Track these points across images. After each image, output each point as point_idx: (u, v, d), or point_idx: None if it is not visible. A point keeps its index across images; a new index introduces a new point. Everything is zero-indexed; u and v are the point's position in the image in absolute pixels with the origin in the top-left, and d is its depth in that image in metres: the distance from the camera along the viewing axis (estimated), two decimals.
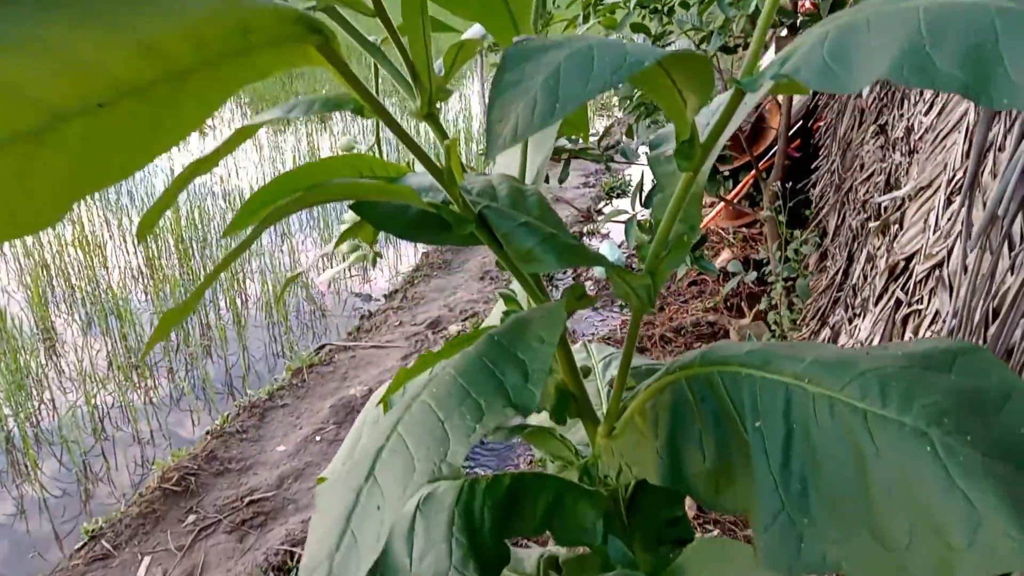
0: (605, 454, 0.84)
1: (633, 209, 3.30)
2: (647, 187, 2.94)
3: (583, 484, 0.84)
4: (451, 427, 0.57)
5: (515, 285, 0.82)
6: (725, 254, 4.67)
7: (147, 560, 2.40)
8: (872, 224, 1.84)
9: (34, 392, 3.78)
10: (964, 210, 1.00)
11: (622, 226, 5.05)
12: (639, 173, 5.23)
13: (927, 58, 0.40)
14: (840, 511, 0.60)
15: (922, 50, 0.41)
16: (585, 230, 5.86)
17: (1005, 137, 1.05)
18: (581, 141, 3.32)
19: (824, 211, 3.02)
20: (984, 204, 1.00)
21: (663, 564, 0.88)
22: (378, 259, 0.98)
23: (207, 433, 3.20)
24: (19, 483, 3.14)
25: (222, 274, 5.34)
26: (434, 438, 0.56)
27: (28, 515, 2.95)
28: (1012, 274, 0.97)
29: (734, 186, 4.58)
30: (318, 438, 3.08)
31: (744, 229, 5.19)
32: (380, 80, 0.71)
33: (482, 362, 0.63)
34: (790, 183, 3.36)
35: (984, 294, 0.99)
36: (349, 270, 5.82)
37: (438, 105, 0.65)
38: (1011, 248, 0.97)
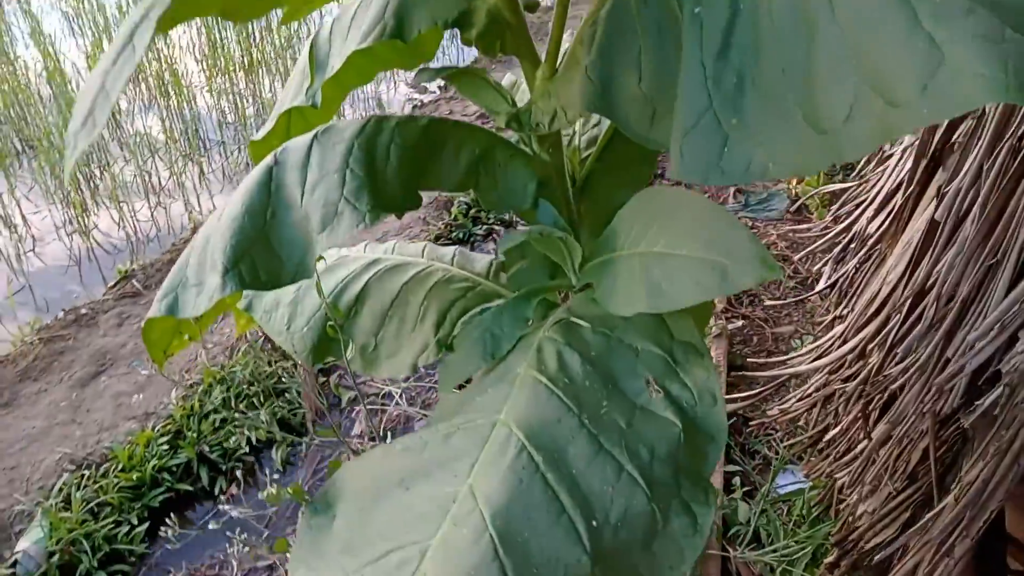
0: (542, 99, 0.71)
1: None
2: None
3: (511, 129, 0.72)
4: None
5: None
6: None
7: None
8: None
9: None
10: None
11: None
12: None
13: None
14: (776, 101, 0.48)
15: None
16: None
17: None
18: None
19: None
20: None
21: None
22: None
23: None
24: (72, 234, 3.27)
25: None
26: None
27: (81, 266, 3.08)
28: None
29: None
30: None
31: None
32: None
33: None
34: None
35: None
36: None
37: None
38: None
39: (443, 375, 0.78)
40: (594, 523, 0.59)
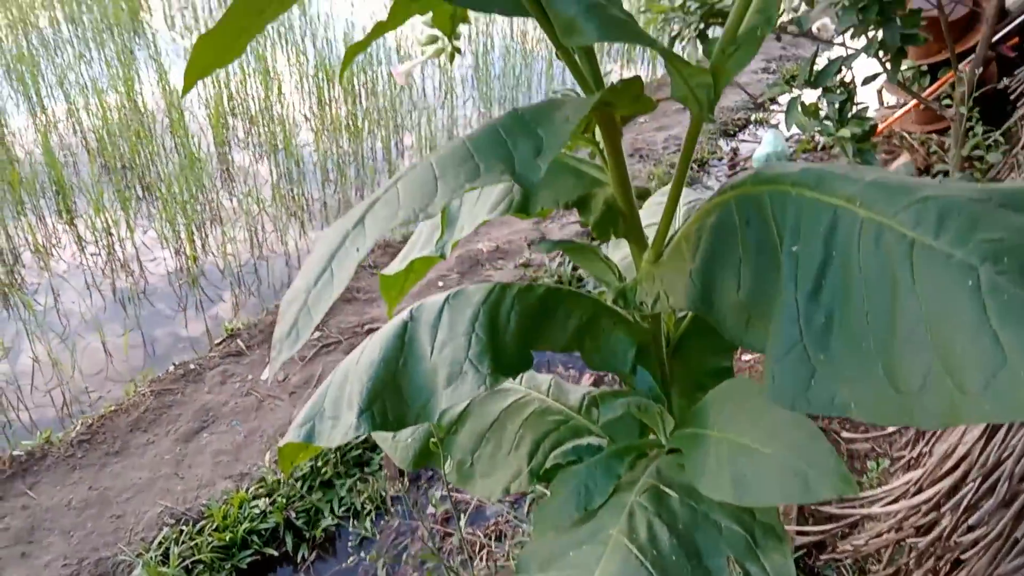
0: (646, 281, 0.80)
1: (799, 88, 3.00)
2: (820, 65, 2.64)
3: (617, 306, 0.81)
4: (442, 183, 0.55)
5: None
6: (903, 158, 4.22)
7: None
8: None
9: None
10: None
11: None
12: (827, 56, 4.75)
13: None
14: (859, 348, 0.54)
15: None
16: (753, 118, 5.48)
17: None
18: None
19: (1022, 113, 2.63)
20: None
21: None
22: (456, 55, 0.95)
23: None
24: (181, 283, 3.51)
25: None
26: (424, 192, 0.55)
27: (187, 313, 3.30)
28: None
29: (931, 83, 4.06)
30: (440, 283, 3.20)
31: (935, 136, 4.64)
32: None
33: (497, 132, 0.59)
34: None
35: None
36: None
37: None
38: None
39: (538, 520, 0.85)
40: None
